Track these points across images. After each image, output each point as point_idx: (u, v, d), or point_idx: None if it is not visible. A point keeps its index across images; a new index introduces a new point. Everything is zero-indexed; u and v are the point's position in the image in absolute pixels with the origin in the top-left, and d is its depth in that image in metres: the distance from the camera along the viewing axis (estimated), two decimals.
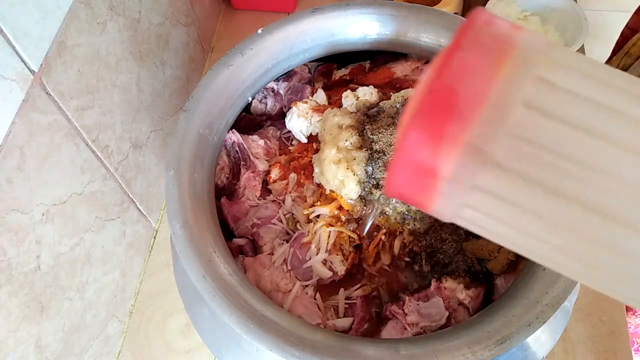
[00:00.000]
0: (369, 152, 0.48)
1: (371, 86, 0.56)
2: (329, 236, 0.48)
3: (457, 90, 0.22)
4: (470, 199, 0.24)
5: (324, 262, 0.48)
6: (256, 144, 0.55)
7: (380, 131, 0.49)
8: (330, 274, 0.47)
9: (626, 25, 0.67)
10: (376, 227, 0.49)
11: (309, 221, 0.50)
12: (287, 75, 0.59)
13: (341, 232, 0.49)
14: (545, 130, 0.22)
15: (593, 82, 0.22)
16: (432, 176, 0.23)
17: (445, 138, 0.22)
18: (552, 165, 0.22)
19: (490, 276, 0.48)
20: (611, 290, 0.25)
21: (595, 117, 0.22)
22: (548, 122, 0.22)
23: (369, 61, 0.61)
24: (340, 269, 0.47)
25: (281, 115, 0.59)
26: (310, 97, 0.58)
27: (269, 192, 0.54)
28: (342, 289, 0.48)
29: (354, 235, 0.49)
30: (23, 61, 0.41)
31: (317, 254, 0.48)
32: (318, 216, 0.50)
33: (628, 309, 0.89)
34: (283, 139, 0.58)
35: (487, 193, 0.23)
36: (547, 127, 0.22)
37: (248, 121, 0.58)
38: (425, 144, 0.23)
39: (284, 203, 0.52)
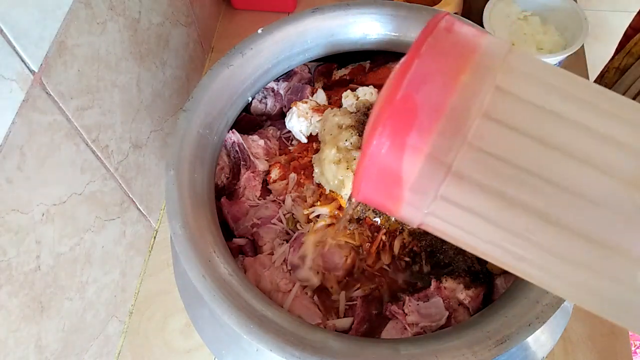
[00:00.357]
0: None
1: (371, 86, 0.56)
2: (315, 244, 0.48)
3: (416, 100, 0.21)
4: (434, 208, 0.24)
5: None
6: (256, 144, 0.56)
7: None
8: (316, 280, 0.47)
9: (629, 26, 0.68)
10: (376, 227, 0.49)
11: (309, 221, 0.50)
12: (287, 75, 0.59)
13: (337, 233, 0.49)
14: (503, 141, 0.21)
15: (552, 92, 0.22)
16: (397, 185, 0.23)
17: (406, 149, 0.22)
18: (510, 177, 0.21)
19: (490, 276, 0.48)
20: (578, 301, 0.25)
21: (552, 128, 0.21)
22: (506, 133, 0.21)
23: (369, 61, 0.61)
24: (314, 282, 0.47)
25: (281, 115, 0.59)
26: (310, 97, 0.58)
27: (269, 192, 0.54)
28: (343, 291, 0.48)
29: (351, 241, 0.49)
30: (23, 61, 0.41)
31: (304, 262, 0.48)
32: (318, 216, 0.50)
33: None
34: (283, 139, 0.58)
35: (451, 203, 0.23)
36: (505, 138, 0.21)
37: (248, 121, 0.58)
38: (388, 153, 0.22)
39: (284, 203, 0.52)
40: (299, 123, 0.54)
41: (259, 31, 0.52)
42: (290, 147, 0.57)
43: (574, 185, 0.21)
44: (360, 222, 0.49)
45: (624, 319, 0.25)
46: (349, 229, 0.49)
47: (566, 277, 0.24)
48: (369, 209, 0.49)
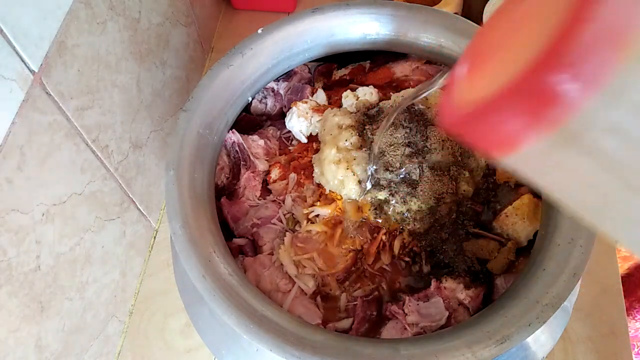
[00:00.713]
0: (369, 152, 0.48)
1: (371, 86, 0.56)
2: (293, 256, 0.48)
3: (574, 68, 0.19)
4: (542, 166, 0.22)
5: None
6: (256, 144, 0.55)
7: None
8: (308, 288, 0.47)
9: None
10: (376, 227, 0.49)
11: (309, 221, 0.50)
12: (287, 75, 0.59)
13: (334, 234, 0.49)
14: None
15: None
16: (512, 145, 0.21)
17: (541, 120, 0.20)
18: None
19: (490, 276, 0.48)
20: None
21: None
22: None
23: (369, 61, 0.61)
24: (311, 285, 0.47)
25: (281, 115, 0.59)
26: (310, 97, 0.58)
27: (269, 192, 0.54)
28: (343, 292, 0.48)
29: (352, 247, 0.49)
30: (23, 61, 0.41)
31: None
32: (317, 216, 0.50)
33: (628, 313, 0.89)
34: (283, 139, 0.58)
35: (558, 168, 0.22)
36: None
37: (248, 121, 0.58)
38: (516, 113, 0.20)
39: (284, 203, 0.52)
40: (299, 123, 0.54)
41: (259, 31, 0.52)
42: (290, 147, 0.57)
43: None
44: (359, 227, 0.49)
45: None
46: (350, 236, 0.49)
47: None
48: (367, 212, 0.49)
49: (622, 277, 0.92)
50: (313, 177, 0.52)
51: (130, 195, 0.62)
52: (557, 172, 0.23)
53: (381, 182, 0.48)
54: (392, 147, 0.48)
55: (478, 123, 0.22)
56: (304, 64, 0.59)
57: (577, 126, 0.19)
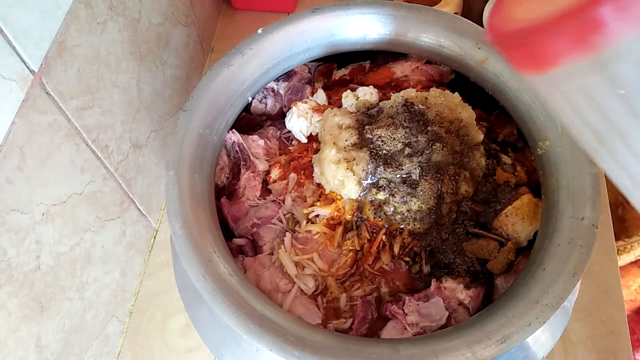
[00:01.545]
0: (369, 152, 0.48)
1: (371, 86, 0.56)
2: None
3: (621, 3, 0.22)
4: (567, 88, 0.25)
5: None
6: (256, 144, 0.56)
7: (380, 131, 0.49)
8: (308, 288, 0.47)
9: None
10: (376, 227, 0.49)
11: (309, 221, 0.50)
12: (287, 75, 0.59)
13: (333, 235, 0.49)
14: None
15: None
16: (550, 61, 0.24)
17: (584, 43, 0.23)
18: None
19: (490, 276, 0.48)
20: None
21: None
22: None
23: (369, 61, 0.61)
24: (311, 286, 0.47)
25: (281, 115, 0.59)
26: (310, 97, 0.58)
27: (269, 192, 0.54)
28: (343, 292, 0.48)
29: (351, 248, 0.49)
30: (23, 61, 0.41)
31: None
32: (317, 216, 0.50)
33: (634, 347, 0.89)
34: (283, 139, 0.58)
35: (581, 92, 0.25)
36: None
37: (248, 121, 0.58)
38: (564, 34, 0.23)
39: (284, 203, 0.52)
40: (299, 123, 0.54)
41: (259, 31, 0.52)
42: (290, 147, 0.57)
43: None
44: (358, 228, 0.49)
45: None
46: (348, 238, 0.49)
47: None
48: (367, 212, 0.49)
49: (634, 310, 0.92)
50: (313, 177, 0.52)
51: (130, 195, 0.62)
52: (578, 95, 0.25)
53: (381, 182, 0.48)
54: (391, 146, 0.48)
55: (527, 39, 0.25)
56: (304, 64, 0.59)
57: (612, 55, 0.23)
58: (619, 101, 0.24)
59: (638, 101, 0.24)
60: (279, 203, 0.53)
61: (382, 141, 0.48)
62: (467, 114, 0.52)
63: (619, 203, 0.83)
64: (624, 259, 0.88)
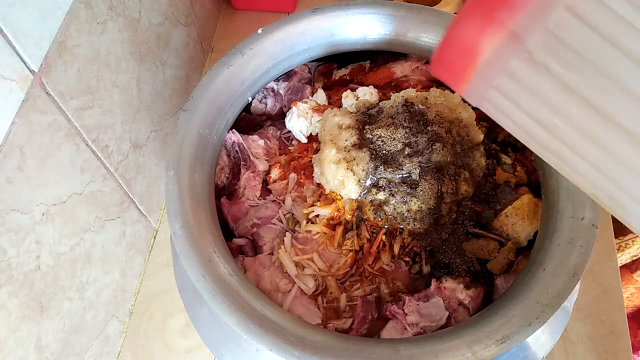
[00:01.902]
0: (369, 152, 0.48)
1: (371, 86, 0.56)
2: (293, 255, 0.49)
3: None
4: (499, 81, 0.28)
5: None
6: (256, 144, 0.56)
7: (380, 131, 0.49)
8: (308, 288, 0.47)
9: None
10: (376, 227, 0.49)
11: (309, 221, 0.50)
12: (287, 75, 0.59)
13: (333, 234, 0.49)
14: (577, 34, 0.25)
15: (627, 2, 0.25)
16: (474, 54, 0.27)
17: (494, 22, 0.26)
18: (573, 65, 0.25)
19: (490, 276, 0.48)
20: (596, 188, 0.29)
21: (621, 32, 0.24)
22: (580, 26, 0.25)
23: (369, 61, 0.61)
24: (311, 286, 0.47)
25: (281, 115, 0.59)
26: (310, 97, 0.58)
27: (269, 192, 0.54)
28: (343, 292, 0.48)
29: (350, 248, 0.49)
30: (23, 61, 0.41)
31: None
32: (317, 216, 0.50)
33: (634, 350, 0.89)
34: (283, 139, 0.58)
35: (514, 78, 0.27)
36: (580, 32, 0.25)
37: (248, 121, 0.58)
38: (475, 24, 0.26)
39: (284, 203, 0.52)
40: (299, 123, 0.54)
41: (259, 31, 0.52)
42: (290, 147, 0.57)
43: (627, 84, 0.24)
44: (358, 228, 0.49)
45: (625, 208, 0.29)
46: (348, 238, 0.49)
47: (597, 163, 0.27)
48: (367, 212, 0.49)
49: (639, 308, 0.92)
50: (313, 177, 0.52)
51: (130, 195, 0.62)
52: (511, 86, 0.28)
53: (381, 182, 0.48)
54: (391, 146, 0.48)
55: (446, 48, 0.29)
56: (304, 64, 0.59)
57: (522, 25, 0.25)
58: (547, 78, 0.26)
59: (564, 72, 0.26)
60: (279, 203, 0.53)
61: (382, 141, 0.48)
62: (467, 114, 0.52)
63: None
64: (619, 259, 0.88)
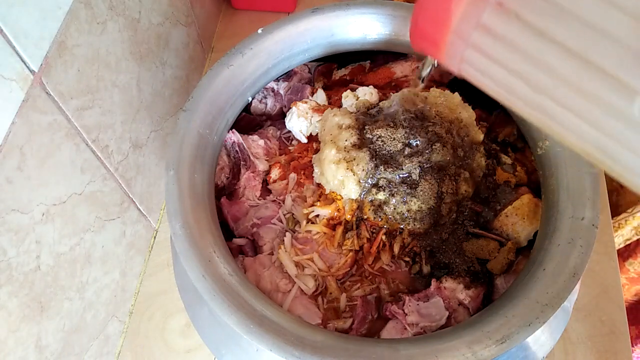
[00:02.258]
0: (369, 152, 0.48)
1: (371, 86, 0.56)
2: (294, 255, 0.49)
3: None
4: (475, 38, 0.28)
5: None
6: (256, 144, 0.56)
7: (380, 131, 0.49)
8: (308, 288, 0.47)
9: None
10: (376, 227, 0.49)
11: (309, 221, 0.50)
12: (287, 75, 0.59)
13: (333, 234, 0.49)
14: None
15: None
16: (446, 14, 0.28)
17: None
18: (543, 10, 0.25)
19: (490, 276, 0.48)
20: (580, 139, 0.28)
21: None
22: None
23: (369, 61, 0.61)
24: (311, 286, 0.48)
25: (281, 115, 0.59)
26: (310, 97, 0.58)
27: (269, 192, 0.54)
28: (343, 292, 0.48)
29: (350, 248, 0.49)
30: (23, 61, 0.41)
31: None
32: (317, 216, 0.50)
33: (633, 342, 0.89)
34: (283, 139, 0.58)
35: (489, 32, 0.27)
36: None
37: (248, 121, 0.58)
38: None
39: (284, 203, 0.52)
40: (299, 123, 0.54)
41: (259, 31, 0.52)
42: (290, 147, 0.57)
43: (596, 23, 0.24)
44: (358, 228, 0.49)
45: (617, 159, 0.28)
46: (348, 238, 0.49)
47: (582, 112, 0.27)
48: (367, 212, 0.49)
49: (630, 304, 0.91)
50: (313, 177, 0.52)
51: (130, 195, 0.62)
52: (487, 41, 0.28)
53: (381, 183, 0.48)
54: (391, 146, 0.48)
55: (418, 19, 0.30)
56: (304, 64, 0.59)
57: None
58: (520, 27, 0.26)
59: (535, 18, 0.25)
60: (279, 203, 0.53)
61: (382, 141, 0.48)
62: (467, 114, 0.52)
63: (613, 189, 0.84)
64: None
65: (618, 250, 0.87)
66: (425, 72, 0.45)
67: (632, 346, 0.85)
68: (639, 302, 0.92)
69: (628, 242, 0.85)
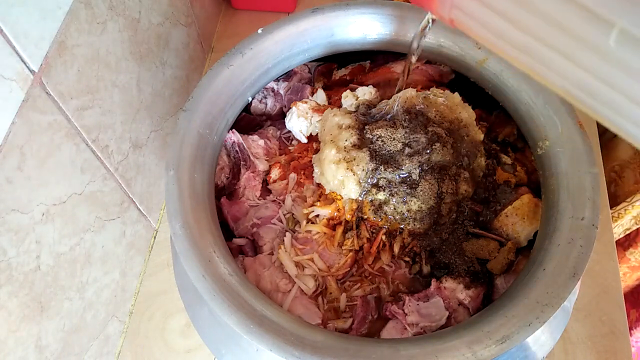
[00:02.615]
0: (369, 152, 0.48)
1: (371, 86, 0.56)
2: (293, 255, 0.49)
3: None
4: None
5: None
6: (256, 144, 0.56)
7: (380, 131, 0.49)
8: (308, 288, 0.47)
9: None
10: (376, 227, 0.49)
11: (309, 221, 0.50)
12: (287, 75, 0.59)
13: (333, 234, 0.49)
14: None
15: None
16: None
17: None
18: None
19: (490, 276, 0.48)
20: (564, 79, 0.28)
21: None
22: None
23: (369, 61, 0.61)
24: (311, 286, 0.48)
25: (281, 115, 0.59)
26: (310, 97, 0.58)
27: (269, 192, 0.54)
28: (343, 292, 0.48)
29: (350, 248, 0.49)
30: (23, 61, 0.41)
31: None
32: (317, 216, 0.50)
33: (633, 325, 0.88)
34: (283, 139, 0.58)
35: None
36: None
37: (248, 121, 0.58)
38: None
39: (284, 203, 0.52)
40: (299, 123, 0.54)
41: (259, 31, 0.52)
42: (290, 147, 0.57)
43: None
44: (358, 228, 0.49)
45: (596, 95, 0.28)
46: (348, 238, 0.49)
47: (560, 47, 0.27)
48: (367, 212, 0.49)
49: (631, 288, 0.91)
50: (313, 177, 0.52)
51: (130, 195, 0.62)
52: None
53: (381, 182, 0.48)
54: (391, 146, 0.48)
55: None
56: (304, 64, 0.59)
57: None
58: None
59: None
60: (279, 203, 0.53)
61: (382, 141, 0.48)
62: (467, 114, 0.52)
63: (611, 180, 0.84)
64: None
65: (618, 240, 0.87)
66: (415, 44, 0.45)
67: (631, 329, 0.85)
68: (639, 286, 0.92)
69: (628, 232, 0.85)
